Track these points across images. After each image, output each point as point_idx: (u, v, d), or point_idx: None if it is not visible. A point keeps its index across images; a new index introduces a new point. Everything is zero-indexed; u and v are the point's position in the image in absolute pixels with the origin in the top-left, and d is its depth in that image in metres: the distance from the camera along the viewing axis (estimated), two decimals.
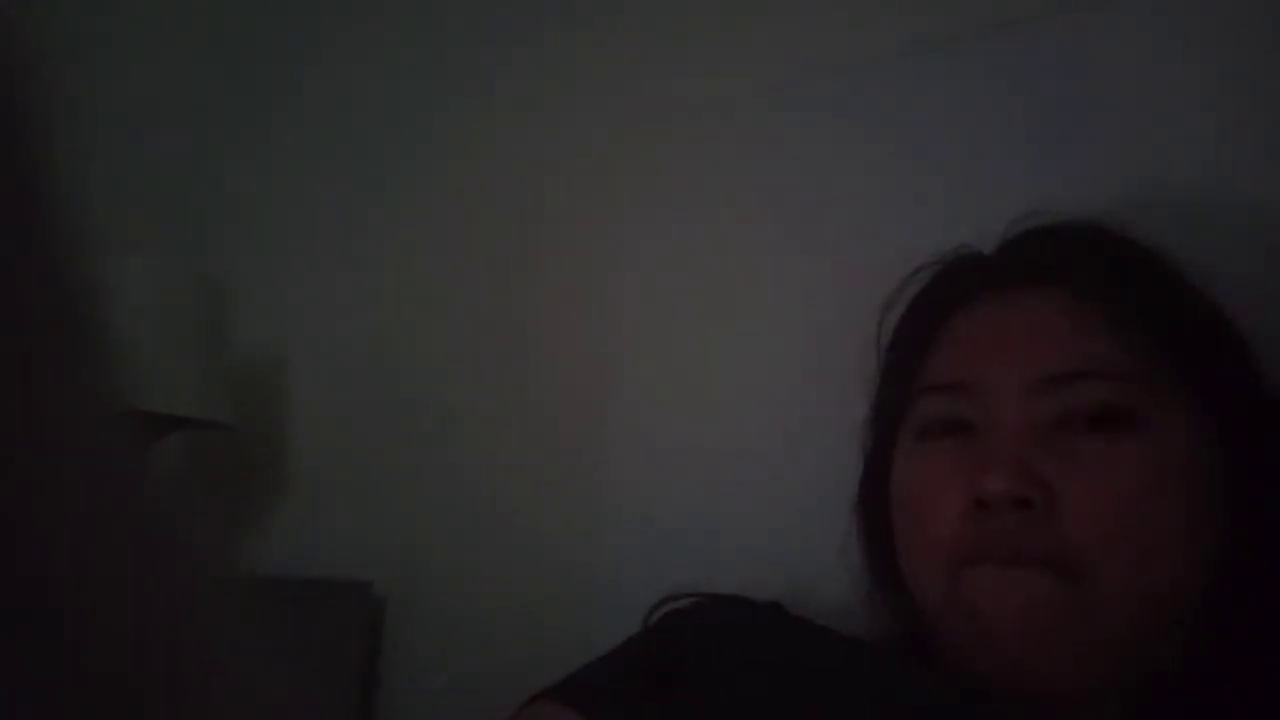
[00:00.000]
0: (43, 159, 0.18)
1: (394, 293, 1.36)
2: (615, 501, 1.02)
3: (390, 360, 1.35)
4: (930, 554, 0.62)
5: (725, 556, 0.89)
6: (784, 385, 0.94)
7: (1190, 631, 0.59)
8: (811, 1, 1.06)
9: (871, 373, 0.74)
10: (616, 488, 1.02)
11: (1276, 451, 0.61)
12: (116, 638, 0.18)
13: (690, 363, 1.01)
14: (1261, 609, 0.59)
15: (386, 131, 1.41)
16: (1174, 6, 0.81)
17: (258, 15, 1.56)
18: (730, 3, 1.12)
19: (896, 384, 0.70)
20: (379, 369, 1.35)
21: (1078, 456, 0.58)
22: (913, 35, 0.96)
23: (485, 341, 1.26)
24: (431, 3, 1.39)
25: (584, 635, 0.74)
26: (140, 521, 0.19)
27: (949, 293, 0.69)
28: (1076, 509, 0.57)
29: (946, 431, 0.63)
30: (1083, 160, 0.82)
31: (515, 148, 1.27)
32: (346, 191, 1.43)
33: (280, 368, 1.44)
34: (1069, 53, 0.85)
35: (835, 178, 0.95)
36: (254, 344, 1.43)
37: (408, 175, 1.37)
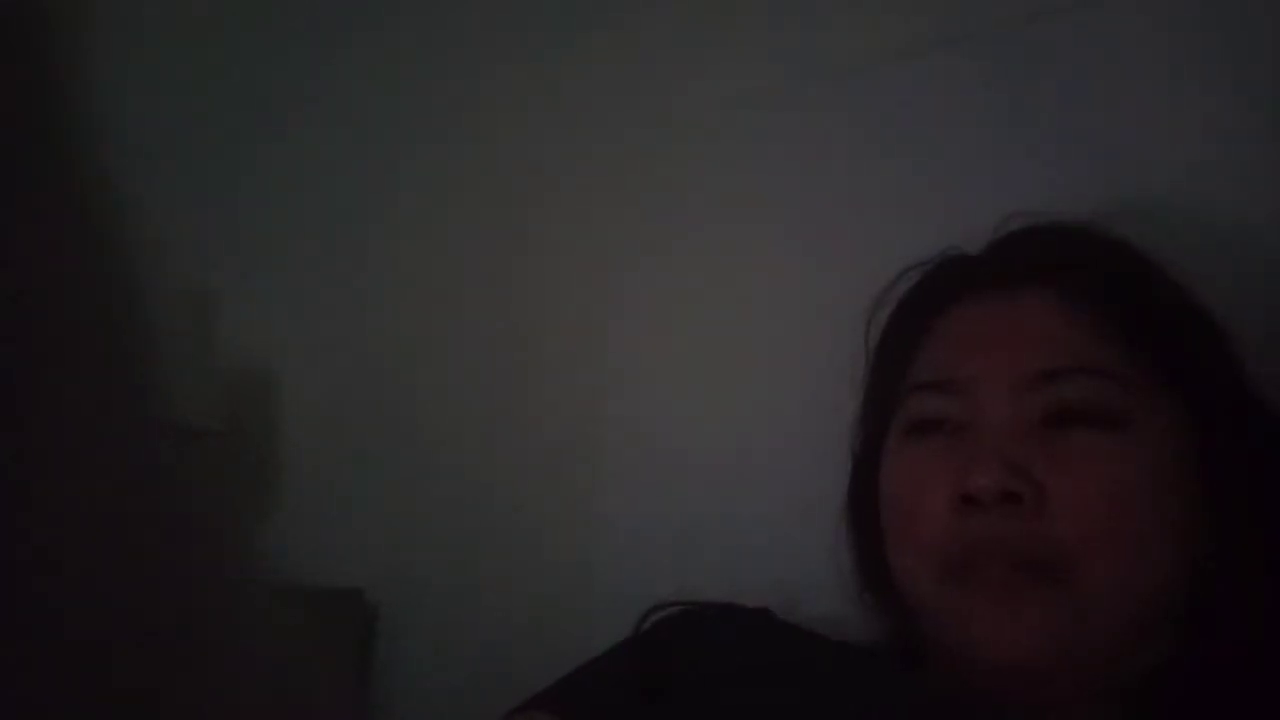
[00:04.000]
0: (95, 166, 0.18)
1: (386, 299, 1.36)
2: (609, 508, 1.02)
3: (383, 366, 1.34)
4: (919, 552, 0.62)
5: (720, 562, 0.89)
6: (778, 391, 0.94)
7: (1175, 629, 0.60)
8: (805, 8, 1.05)
9: (863, 376, 0.74)
10: (610, 494, 1.02)
11: (1258, 451, 0.61)
12: (126, 633, 0.18)
13: (684, 369, 1.01)
14: (1244, 606, 0.59)
15: (380, 137, 1.41)
16: (1159, 8, 0.82)
17: (254, 21, 1.56)
18: (725, 10, 1.12)
19: (885, 383, 0.70)
20: (371, 375, 1.35)
21: (1065, 453, 0.59)
22: (903, 40, 0.96)
23: (479, 348, 1.25)
24: (430, 7, 1.39)
25: (578, 642, 0.74)
26: (158, 518, 0.19)
27: (938, 292, 0.69)
28: (1064, 505, 0.58)
29: (935, 429, 0.63)
30: (1070, 162, 0.82)
31: (511, 152, 1.27)
32: (339, 197, 1.42)
33: (271, 374, 1.44)
34: (1057, 56, 0.85)
35: (828, 182, 0.95)
36: (244, 350, 1.43)
37: (402, 181, 1.37)
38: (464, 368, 1.26)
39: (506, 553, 1.16)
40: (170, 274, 1.25)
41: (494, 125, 1.29)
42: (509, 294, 1.24)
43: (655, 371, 1.03)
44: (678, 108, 1.09)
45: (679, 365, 1.01)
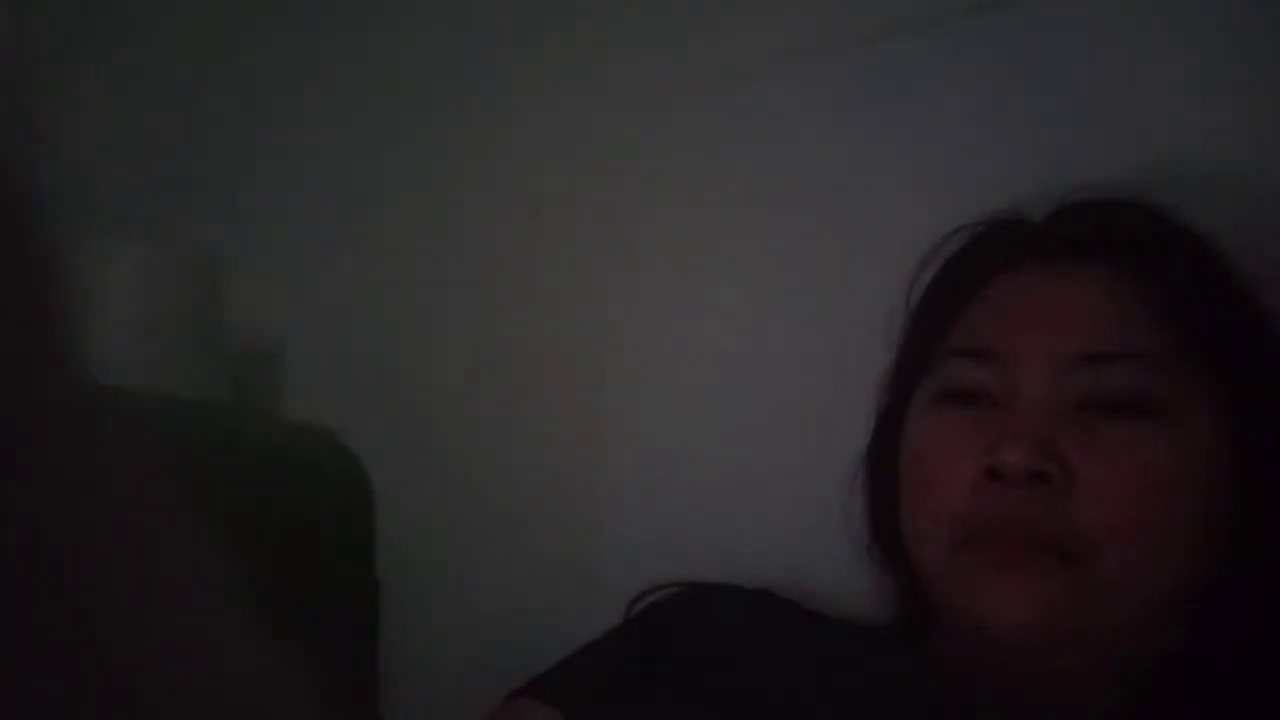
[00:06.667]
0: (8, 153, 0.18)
1: (392, 280, 1.36)
2: (614, 489, 1.02)
3: (388, 346, 1.34)
4: (934, 518, 0.61)
5: (723, 543, 0.89)
6: (781, 376, 0.93)
7: (1192, 620, 0.59)
8: None
9: (884, 344, 0.72)
10: (615, 475, 1.02)
11: None
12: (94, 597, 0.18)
13: (687, 353, 1.00)
14: (1260, 604, 0.59)
15: (386, 116, 1.40)
16: None
17: (259, 1, 1.55)
18: None
19: (922, 342, 0.68)
20: (377, 354, 1.35)
21: (1100, 440, 0.58)
22: (916, 8, 0.94)
23: (484, 329, 1.26)
24: None
25: (582, 623, 0.74)
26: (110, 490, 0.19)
27: (988, 256, 0.67)
28: (1091, 493, 0.57)
29: (968, 398, 0.62)
30: (1087, 133, 0.80)
31: (514, 137, 1.27)
32: (345, 178, 1.42)
33: (278, 354, 1.44)
34: (1072, 23, 0.84)
35: (833, 165, 0.94)
36: (251, 329, 1.43)
37: (408, 162, 1.37)
38: (471, 351, 1.26)
39: (511, 532, 1.16)
40: (178, 250, 1.25)
41: (499, 110, 1.29)
42: (513, 278, 1.24)
43: (659, 357, 1.03)
44: (683, 91, 1.08)
45: (683, 350, 1.01)
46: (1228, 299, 0.62)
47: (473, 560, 1.19)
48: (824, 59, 0.97)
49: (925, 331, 0.69)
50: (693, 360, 1.00)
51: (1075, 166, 0.72)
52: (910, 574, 0.66)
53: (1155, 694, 0.59)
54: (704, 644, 0.63)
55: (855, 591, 0.73)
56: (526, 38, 1.28)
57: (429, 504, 1.24)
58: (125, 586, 0.19)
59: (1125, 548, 0.56)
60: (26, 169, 0.18)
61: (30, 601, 0.17)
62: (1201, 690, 0.58)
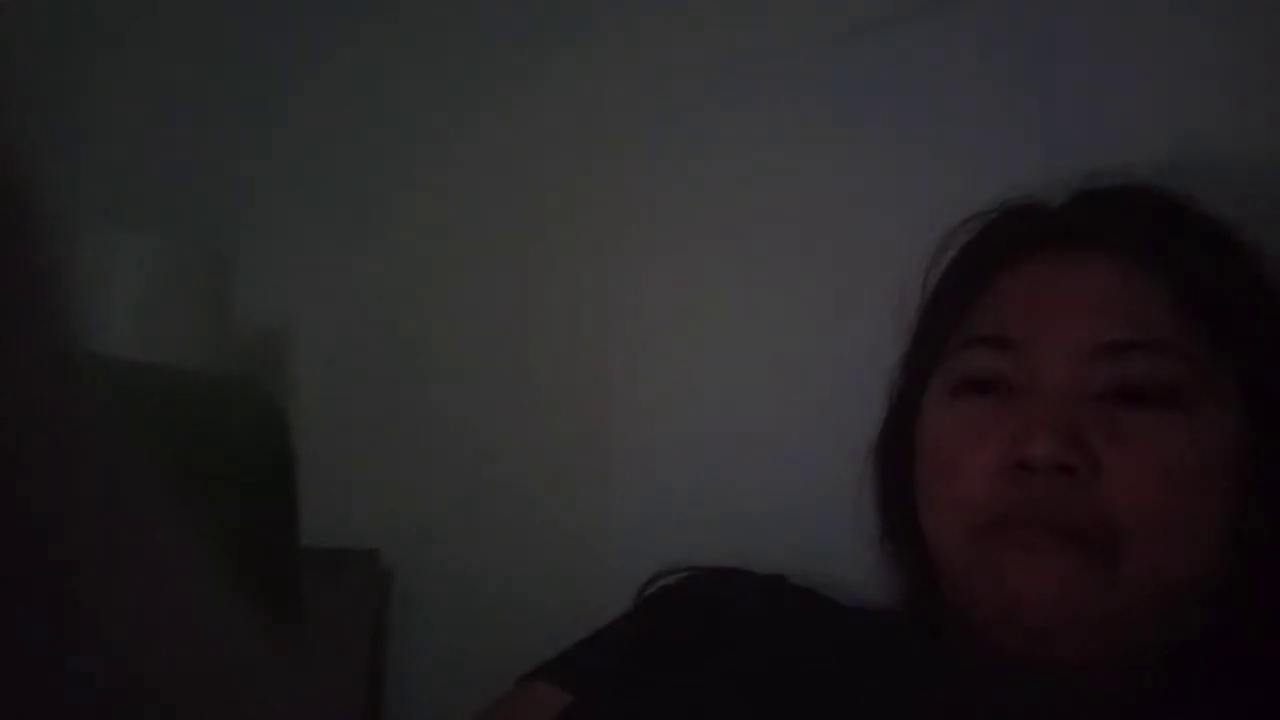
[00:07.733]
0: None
1: (402, 264, 1.36)
2: (622, 474, 1.02)
3: (398, 330, 1.34)
4: (956, 510, 0.61)
5: (732, 528, 0.89)
6: (791, 364, 0.93)
7: (1216, 607, 0.59)
8: None
9: (894, 333, 0.72)
10: (624, 459, 1.02)
11: None
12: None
13: (697, 341, 1.00)
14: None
15: (396, 108, 1.40)
16: None
17: None
18: None
19: (937, 330, 0.68)
20: (387, 338, 1.35)
21: (1124, 430, 0.57)
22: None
23: (493, 314, 1.26)
24: None
25: (591, 607, 0.74)
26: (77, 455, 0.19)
27: (1006, 243, 0.66)
28: (1117, 483, 0.56)
29: (985, 387, 0.61)
30: (1092, 121, 0.80)
31: (521, 129, 1.27)
32: (355, 165, 1.42)
33: (288, 337, 1.44)
34: (1077, 16, 0.83)
35: (841, 157, 0.94)
36: (261, 314, 1.43)
37: (417, 150, 1.37)
38: (480, 335, 1.26)
39: (522, 514, 1.17)
40: (188, 241, 1.25)
41: (509, 98, 1.28)
42: (523, 260, 1.24)
43: (667, 341, 1.03)
44: (684, 78, 1.08)
45: (691, 335, 1.01)
46: (1246, 285, 0.62)
47: (482, 547, 1.19)
48: (835, 48, 0.96)
49: (941, 319, 0.68)
50: (702, 348, 0.99)
51: (1082, 153, 0.72)
52: (924, 563, 0.66)
53: (1177, 680, 0.59)
54: (716, 627, 0.63)
55: (867, 581, 0.73)
56: (535, 31, 1.28)
57: (437, 491, 1.25)
58: (116, 572, 0.18)
59: (1151, 537, 0.56)
60: (18, 156, 0.18)
61: (24, 591, 0.17)
62: (1223, 676, 0.58)
